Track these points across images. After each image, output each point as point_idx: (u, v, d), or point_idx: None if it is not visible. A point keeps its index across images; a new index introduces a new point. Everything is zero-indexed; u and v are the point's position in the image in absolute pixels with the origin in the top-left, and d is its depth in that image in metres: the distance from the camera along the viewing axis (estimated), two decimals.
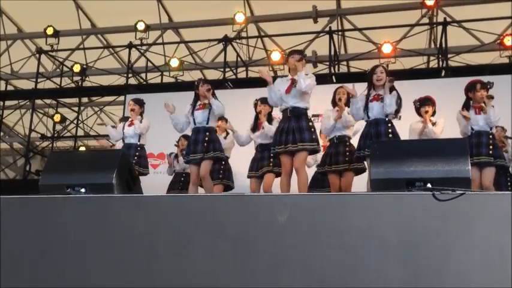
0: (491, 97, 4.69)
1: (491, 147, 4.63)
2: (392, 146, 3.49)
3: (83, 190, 3.22)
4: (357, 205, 2.69)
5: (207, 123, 4.88)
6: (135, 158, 5.51)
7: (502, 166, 4.88)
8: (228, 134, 5.96)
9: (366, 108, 4.48)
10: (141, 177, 5.13)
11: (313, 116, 7.40)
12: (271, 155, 5.04)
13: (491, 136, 4.72)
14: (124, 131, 5.71)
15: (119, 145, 5.97)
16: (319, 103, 5.99)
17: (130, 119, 5.76)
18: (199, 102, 4.95)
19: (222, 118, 5.51)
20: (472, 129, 4.72)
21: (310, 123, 4.44)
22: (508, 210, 2.45)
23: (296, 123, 4.38)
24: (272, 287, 2.62)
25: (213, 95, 4.96)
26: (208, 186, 4.85)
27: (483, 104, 4.70)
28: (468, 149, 2.99)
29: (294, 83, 4.42)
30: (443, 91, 6.68)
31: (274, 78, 4.83)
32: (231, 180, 5.84)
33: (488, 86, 4.71)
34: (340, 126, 4.94)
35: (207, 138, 4.83)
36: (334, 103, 5.03)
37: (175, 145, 6.45)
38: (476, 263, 2.46)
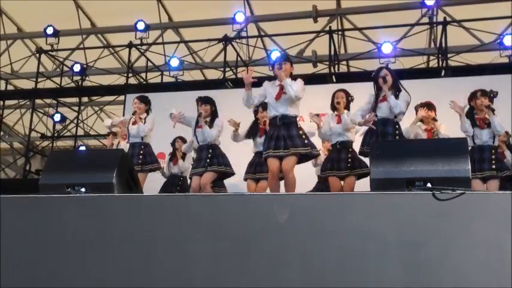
0: (492, 109, 4.59)
1: (493, 162, 4.58)
2: (392, 145, 3.50)
3: (83, 189, 3.22)
4: (356, 205, 2.69)
5: (209, 141, 5.03)
6: (140, 156, 5.49)
7: (510, 177, 4.76)
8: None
9: (375, 108, 4.53)
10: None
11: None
12: None
13: (493, 151, 4.65)
14: (128, 129, 5.68)
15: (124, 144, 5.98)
16: (318, 103, 6.00)
17: (133, 118, 5.65)
18: (199, 122, 5.05)
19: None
20: (474, 143, 4.64)
21: (301, 131, 4.33)
22: (508, 210, 2.45)
23: (286, 131, 4.27)
24: (272, 287, 2.62)
25: (214, 112, 5.08)
26: None
27: (486, 115, 4.64)
28: (468, 148, 2.99)
29: (283, 88, 4.31)
30: (443, 91, 6.69)
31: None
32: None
33: (491, 95, 4.64)
34: (341, 131, 4.87)
35: (209, 155, 4.98)
36: (333, 107, 4.98)
37: (172, 144, 6.42)
38: (476, 262, 2.46)
